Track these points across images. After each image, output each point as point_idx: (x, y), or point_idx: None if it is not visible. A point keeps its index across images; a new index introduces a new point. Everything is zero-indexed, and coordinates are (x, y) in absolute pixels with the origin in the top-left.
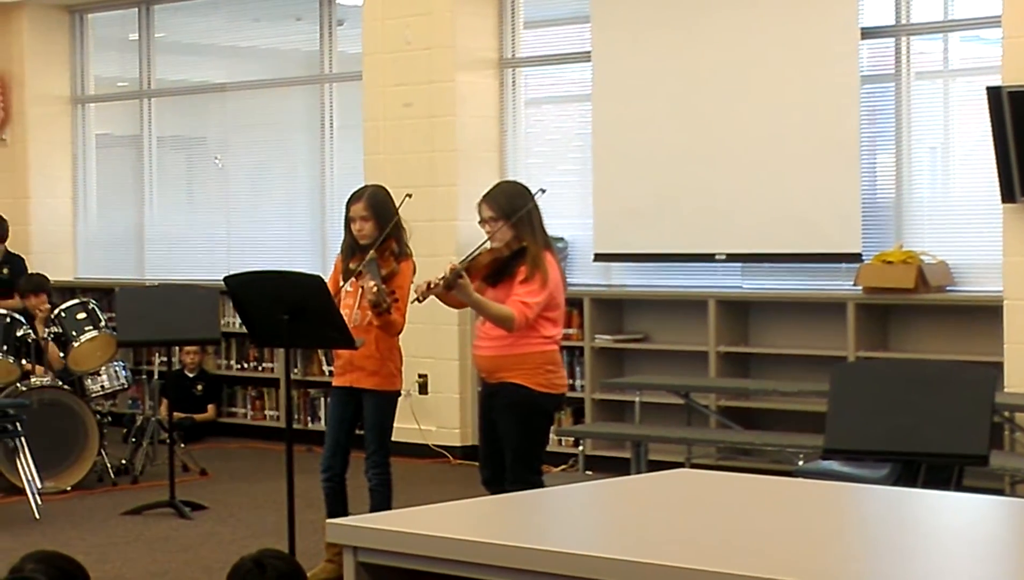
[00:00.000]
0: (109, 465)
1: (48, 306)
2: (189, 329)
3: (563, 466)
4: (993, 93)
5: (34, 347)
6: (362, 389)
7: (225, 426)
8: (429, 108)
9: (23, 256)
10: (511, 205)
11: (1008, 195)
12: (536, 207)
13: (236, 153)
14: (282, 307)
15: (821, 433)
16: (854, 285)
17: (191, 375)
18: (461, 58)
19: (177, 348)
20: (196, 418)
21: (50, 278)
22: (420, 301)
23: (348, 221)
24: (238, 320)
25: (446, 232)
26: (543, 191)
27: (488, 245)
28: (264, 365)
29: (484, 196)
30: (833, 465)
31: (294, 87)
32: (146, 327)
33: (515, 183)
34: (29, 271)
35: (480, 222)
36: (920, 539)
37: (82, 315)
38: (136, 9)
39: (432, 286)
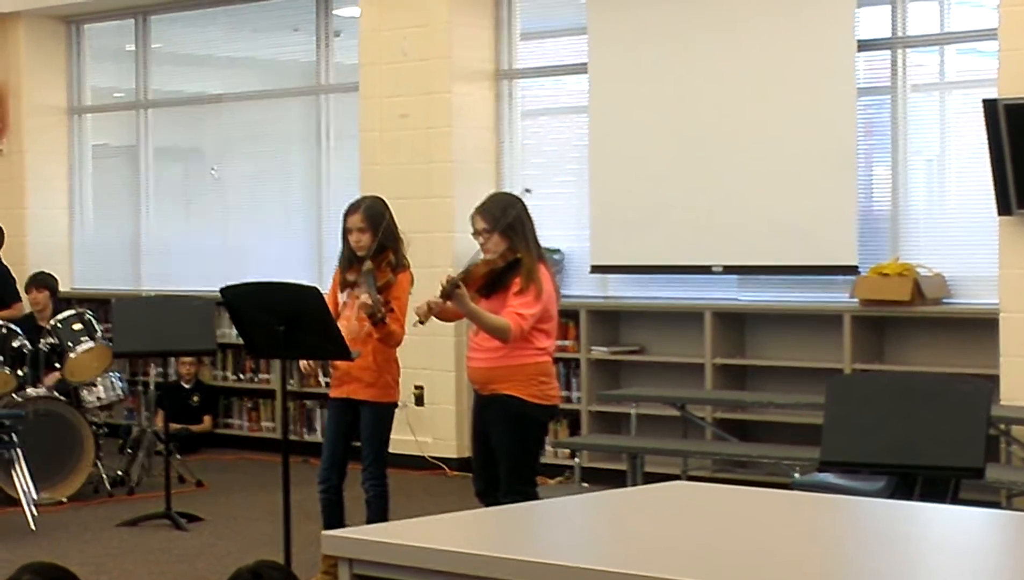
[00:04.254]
0: (105, 476)
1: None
2: (185, 340)
3: (559, 478)
4: (989, 106)
5: (30, 358)
6: (359, 401)
7: (221, 437)
8: (426, 119)
9: (7, 265)
10: (504, 216)
11: (1004, 208)
12: (529, 218)
13: (232, 164)
14: (278, 318)
15: (817, 445)
16: (850, 297)
17: (187, 386)
18: (458, 69)
19: (173, 359)
20: (192, 429)
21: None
22: (423, 323)
23: (345, 232)
24: (234, 331)
25: (443, 243)
26: (528, 191)
27: (482, 257)
28: (260, 376)
29: (477, 208)
30: (829, 478)
31: (290, 98)
32: (142, 338)
33: (508, 194)
34: (16, 280)
35: (473, 234)
36: (916, 552)
37: (78, 326)
38: (133, 20)
39: (430, 305)
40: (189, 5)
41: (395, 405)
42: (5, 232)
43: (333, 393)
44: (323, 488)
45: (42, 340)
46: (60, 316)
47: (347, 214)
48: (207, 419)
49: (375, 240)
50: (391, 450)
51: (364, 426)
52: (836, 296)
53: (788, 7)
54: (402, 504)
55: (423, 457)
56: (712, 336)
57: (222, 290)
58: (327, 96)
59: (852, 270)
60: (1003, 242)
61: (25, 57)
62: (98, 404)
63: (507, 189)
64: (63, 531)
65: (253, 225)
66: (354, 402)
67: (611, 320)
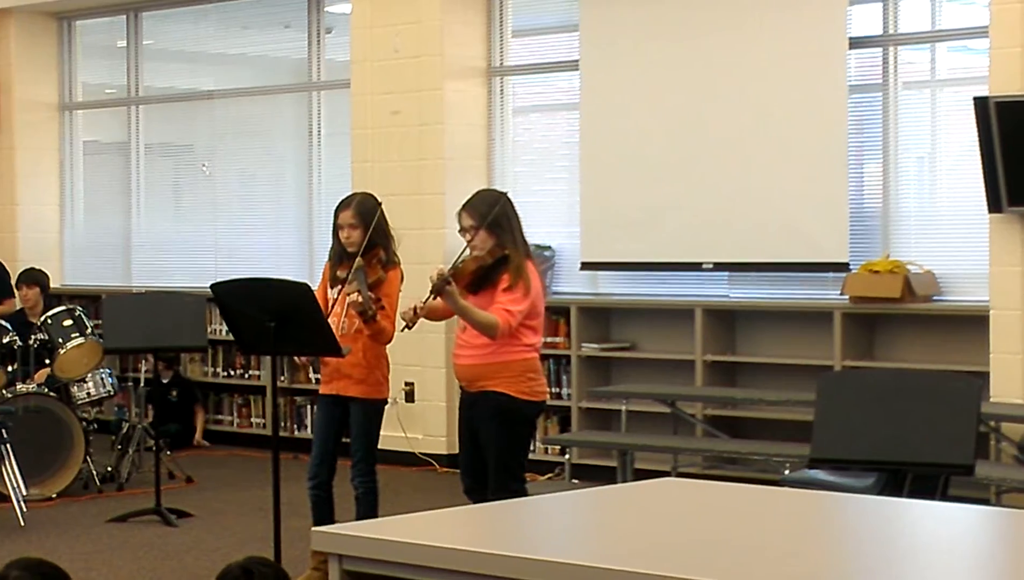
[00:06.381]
0: (95, 472)
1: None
2: (176, 336)
3: (549, 475)
4: (980, 103)
5: (20, 354)
6: (349, 397)
7: (211, 434)
8: (417, 116)
9: (2, 262)
10: (491, 213)
11: (995, 205)
12: (516, 215)
13: (224, 160)
14: (269, 314)
15: (807, 442)
16: (841, 294)
17: (165, 381)
18: (449, 66)
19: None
20: (196, 439)
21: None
22: (410, 327)
23: (336, 228)
24: (225, 327)
25: (434, 240)
26: (507, 194)
27: (469, 253)
28: (250, 372)
29: (464, 205)
30: (819, 474)
31: (282, 95)
32: (133, 334)
33: (494, 191)
34: (10, 274)
35: (460, 231)
36: (905, 549)
37: (68, 322)
38: (124, 16)
39: (416, 309)
40: (181, 1)
41: (385, 401)
42: None
43: (323, 389)
44: (313, 484)
45: (32, 336)
46: (51, 312)
47: (338, 210)
48: (199, 423)
49: (366, 236)
50: (381, 446)
51: (354, 422)
52: (827, 293)
53: (780, 4)
54: (392, 500)
55: (413, 453)
56: (703, 333)
57: (213, 286)
58: (319, 93)
59: (843, 267)
60: (993, 239)
61: (16, 53)
62: (88, 400)
63: (498, 186)
64: (52, 527)
65: (244, 221)
66: (344, 398)
67: (602, 317)
